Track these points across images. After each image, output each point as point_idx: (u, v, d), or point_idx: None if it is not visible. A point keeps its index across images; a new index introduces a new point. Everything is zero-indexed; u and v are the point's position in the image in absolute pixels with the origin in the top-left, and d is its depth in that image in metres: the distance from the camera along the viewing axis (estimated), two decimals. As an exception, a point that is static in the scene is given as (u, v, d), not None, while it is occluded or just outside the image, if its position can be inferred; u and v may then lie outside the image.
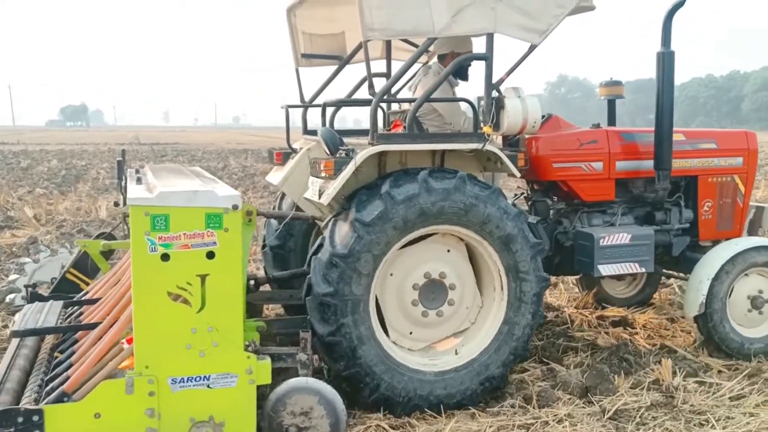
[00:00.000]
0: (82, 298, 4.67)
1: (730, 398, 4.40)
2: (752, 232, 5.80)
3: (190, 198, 3.30)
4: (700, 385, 4.60)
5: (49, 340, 4.34)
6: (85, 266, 5.29)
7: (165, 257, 3.27)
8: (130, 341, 3.46)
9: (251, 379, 3.46)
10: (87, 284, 5.25)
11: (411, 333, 4.41)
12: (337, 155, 4.24)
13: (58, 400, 3.25)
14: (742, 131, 5.86)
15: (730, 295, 5.09)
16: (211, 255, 3.34)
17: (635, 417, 4.15)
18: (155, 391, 3.30)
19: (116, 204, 5.06)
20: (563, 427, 4.01)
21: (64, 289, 5.15)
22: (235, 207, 3.36)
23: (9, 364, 4.06)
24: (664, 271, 6.03)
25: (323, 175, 4.20)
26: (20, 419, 3.10)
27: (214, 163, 26.38)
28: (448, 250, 4.40)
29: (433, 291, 4.36)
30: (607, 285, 6.48)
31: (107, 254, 5.24)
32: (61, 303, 4.54)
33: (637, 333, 5.76)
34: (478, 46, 5.35)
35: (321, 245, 4.15)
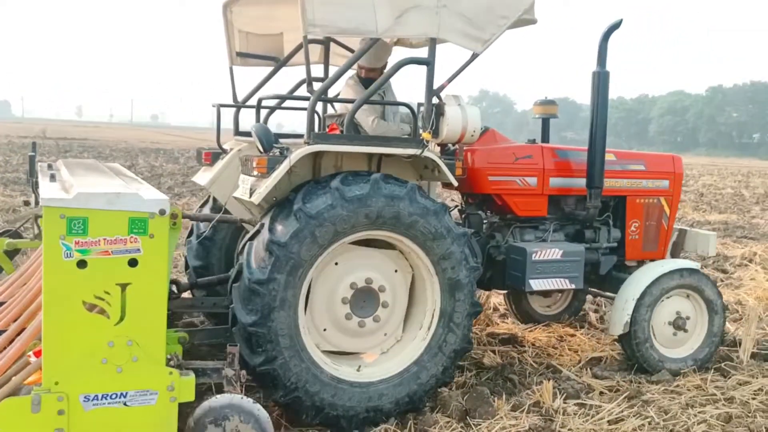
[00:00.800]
0: None
1: (608, 422, 4.34)
2: (675, 253, 5.94)
3: (112, 200, 3.06)
4: (581, 407, 4.54)
5: None
6: None
7: (82, 264, 3.01)
8: (38, 354, 3.17)
9: (173, 396, 3.23)
10: None
11: (325, 330, 4.26)
12: (271, 153, 4.07)
13: (-46, 417, 2.93)
14: (669, 155, 6.03)
15: (653, 316, 5.18)
16: (133, 262, 3.10)
17: (512, 442, 4.06)
18: (65, 410, 3.02)
19: (26, 203, 4.68)
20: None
21: None
22: (162, 212, 3.14)
23: None
24: (590, 289, 6.11)
25: (255, 173, 4.03)
26: None
27: (121, 161, 25.39)
28: (396, 270, 4.32)
29: (365, 300, 4.25)
30: (534, 301, 6.53)
31: (12, 254, 4.84)
32: None
33: (525, 351, 5.70)
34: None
35: (258, 232, 3.98)
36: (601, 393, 4.87)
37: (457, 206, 5.67)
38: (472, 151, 5.02)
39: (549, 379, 4.87)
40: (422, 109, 4.33)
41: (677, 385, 4.94)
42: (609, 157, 5.37)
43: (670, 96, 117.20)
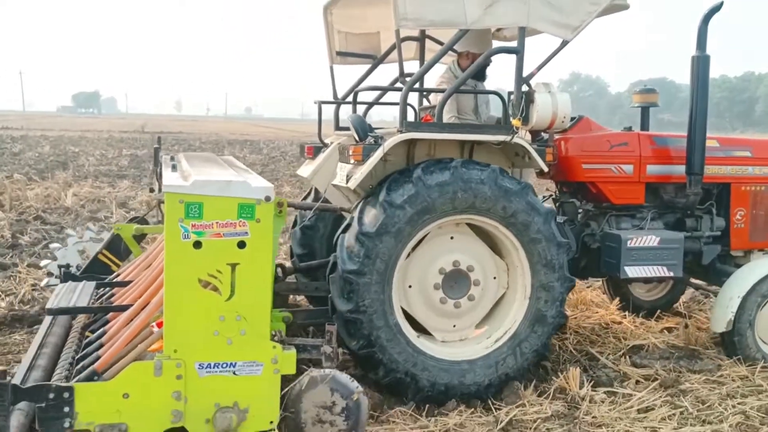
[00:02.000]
0: (114, 280, 4.77)
1: (638, 410, 4.27)
2: None
3: (224, 188, 3.35)
4: (609, 395, 4.48)
5: (81, 319, 4.45)
6: (118, 249, 5.41)
7: (197, 245, 3.32)
8: (159, 325, 3.53)
9: (276, 368, 3.49)
10: (118, 266, 5.37)
11: (455, 326, 4.48)
12: (366, 142, 4.29)
13: (89, 378, 3.33)
14: None
15: (759, 315, 5.00)
16: (242, 244, 3.38)
17: (530, 427, 4.03)
18: (183, 375, 3.35)
19: (152, 190, 5.17)
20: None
21: (96, 270, 5.26)
22: (267, 198, 3.41)
23: (41, 342, 4.18)
24: (691, 280, 5.96)
25: (352, 161, 4.26)
26: (51, 395, 3.18)
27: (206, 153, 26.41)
28: (452, 237, 4.43)
29: (455, 281, 4.41)
30: (634, 288, 6.44)
31: (139, 238, 5.35)
32: (93, 284, 4.64)
33: (566, 338, 5.63)
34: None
35: (349, 225, 4.20)
36: (637, 382, 4.79)
37: (551, 195, 5.70)
38: (566, 139, 5.04)
39: (580, 367, 4.81)
40: (512, 96, 4.42)
41: (720, 375, 4.83)
42: (711, 143, 5.24)
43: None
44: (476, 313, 4.54)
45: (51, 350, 4.23)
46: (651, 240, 4.93)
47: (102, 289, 4.64)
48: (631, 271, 4.92)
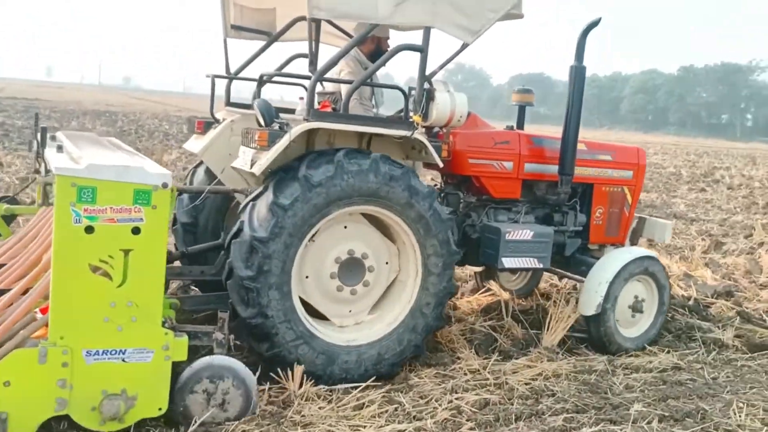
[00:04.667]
0: None
1: (353, 407, 4.09)
2: (634, 239, 6.33)
3: (121, 173, 3.27)
4: (332, 393, 4.26)
5: None
6: None
7: (89, 229, 3.23)
8: (43, 311, 3.41)
9: (167, 355, 3.49)
10: None
11: (350, 311, 4.62)
12: (272, 127, 4.30)
13: (-34, 366, 3.17)
14: (634, 147, 6.40)
15: (619, 299, 5.52)
16: (136, 230, 3.33)
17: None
18: (69, 362, 3.27)
19: (37, 171, 4.85)
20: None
21: None
22: (164, 185, 3.36)
23: None
24: (553, 269, 6.45)
25: (256, 145, 4.26)
26: None
27: (50, 122, 24.71)
28: (345, 227, 4.57)
29: (350, 269, 4.54)
30: (502, 278, 6.89)
31: (9, 219, 5.02)
32: None
33: None
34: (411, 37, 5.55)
35: (240, 230, 4.21)
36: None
37: (436, 185, 5.95)
38: (454, 134, 5.26)
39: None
40: (413, 93, 4.58)
41: (453, 369, 4.80)
42: (580, 146, 5.65)
43: (643, 75, 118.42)
44: (371, 298, 4.70)
45: None
46: (526, 234, 5.29)
47: None
48: (508, 262, 5.26)
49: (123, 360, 3.41)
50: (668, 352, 5.52)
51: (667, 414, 4.27)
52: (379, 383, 4.47)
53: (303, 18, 5.52)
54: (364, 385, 4.36)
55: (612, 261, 5.60)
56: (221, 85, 5.55)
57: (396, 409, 4.07)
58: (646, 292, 5.72)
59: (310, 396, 4.18)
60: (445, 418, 3.97)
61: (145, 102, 59.68)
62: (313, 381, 4.28)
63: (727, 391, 4.74)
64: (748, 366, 5.38)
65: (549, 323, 5.51)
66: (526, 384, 4.58)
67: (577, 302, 5.65)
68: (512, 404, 4.25)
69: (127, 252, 3.33)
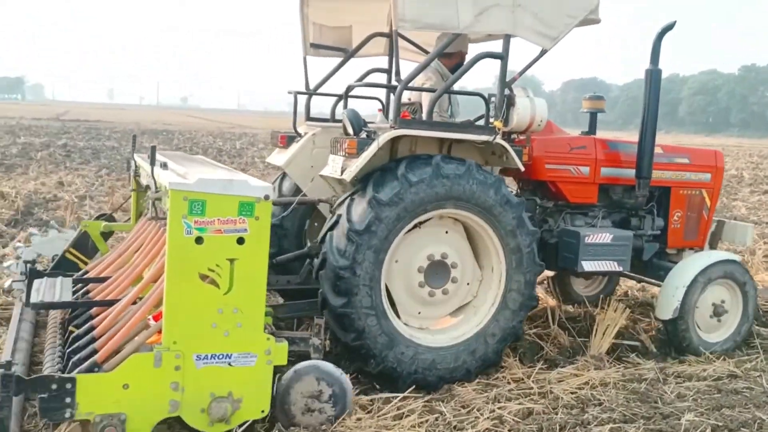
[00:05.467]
0: (86, 276, 4.75)
1: (393, 417, 4.06)
2: (713, 243, 6.25)
3: (227, 186, 3.46)
4: (372, 403, 4.24)
5: (56, 315, 4.46)
6: (85, 246, 5.38)
7: (199, 240, 3.41)
8: (156, 318, 3.61)
9: (269, 359, 3.64)
10: (85, 264, 5.32)
11: (419, 313, 4.72)
12: (360, 136, 4.48)
13: (89, 369, 3.38)
14: (712, 150, 6.34)
15: (698, 303, 5.47)
16: (241, 240, 3.50)
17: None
18: (181, 366, 3.45)
19: (147, 187, 5.15)
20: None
21: (64, 268, 5.22)
22: (266, 197, 3.53)
23: (15, 338, 4.18)
24: (630, 273, 6.42)
25: (344, 153, 4.44)
26: (54, 386, 3.22)
27: (109, 143, 25.81)
28: (446, 232, 4.70)
29: (437, 272, 4.66)
30: (576, 284, 6.88)
31: (106, 235, 5.33)
32: (70, 280, 4.61)
33: None
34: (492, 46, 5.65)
35: (336, 222, 4.37)
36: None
37: (512, 191, 6.01)
38: (531, 140, 5.33)
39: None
40: (494, 99, 4.68)
41: (496, 378, 4.73)
42: (656, 149, 5.64)
43: (702, 75, 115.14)
44: (444, 308, 4.80)
45: (25, 346, 4.23)
46: (605, 237, 5.31)
47: (77, 284, 4.63)
48: (588, 265, 5.29)
49: (229, 364, 3.58)
50: (724, 359, 5.32)
51: (721, 424, 4.09)
52: (420, 394, 4.42)
53: (379, 34, 5.72)
54: (403, 395, 4.32)
55: (690, 265, 5.55)
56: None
57: (437, 419, 4.00)
58: (729, 297, 5.64)
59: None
60: (486, 428, 3.88)
61: (201, 120, 61.20)
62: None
63: (785, 400, 4.52)
64: (806, 374, 5.15)
65: (596, 330, 5.38)
66: (571, 393, 4.46)
67: (626, 308, 5.59)
68: (557, 414, 4.13)
69: (232, 261, 3.51)
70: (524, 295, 4.75)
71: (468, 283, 4.81)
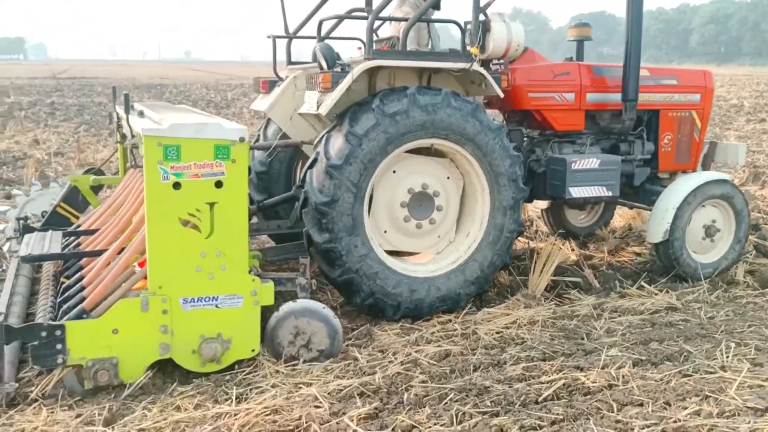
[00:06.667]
0: (78, 229, 4.80)
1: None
2: (705, 165, 6.20)
3: (200, 130, 3.46)
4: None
5: (49, 267, 4.53)
6: (76, 201, 5.41)
7: (177, 185, 3.44)
8: (141, 265, 3.67)
9: (256, 300, 3.71)
10: (77, 218, 5.37)
11: (407, 244, 4.74)
12: (334, 69, 4.43)
13: (78, 316, 3.47)
14: (700, 70, 6.23)
15: (689, 225, 5.47)
16: (219, 184, 3.52)
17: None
18: (168, 310, 3.53)
19: (123, 136, 5.15)
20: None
21: (55, 223, 5.27)
22: (242, 139, 3.53)
23: (11, 291, 4.25)
24: (621, 200, 6.40)
25: (320, 88, 4.41)
26: (43, 333, 3.31)
27: (99, 99, 25.49)
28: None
29: (421, 203, 4.68)
30: (570, 215, 6.89)
31: (96, 189, 5.36)
32: (60, 233, 4.67)
33: None
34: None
35: (315, 159, 4.37)
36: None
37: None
38: (513, 69, 5.25)
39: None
40: (469, 25, 4.60)
41: (420, 321, 4.60)
42: (642, 72, 5.55)
43: (713, 4, 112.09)
44: (432, 238, 4.83)
45: (21, 300, 4.31)
46: (592, 162, 5.29)
47: (67, 238, 4.69)
48: (575, 192, 5.27)
49: (216, 306, 3.64)
50: (666, 291, 5.18)
51: (644, 358, 3.94)
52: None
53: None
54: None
55: (680, 186, 5.53)
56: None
57: (349, 365, 3.83)
58: (722, 217, 5.64)
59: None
60: (397, 372, 3.71)
61: (200, 73, 60.45)
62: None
63: (721, 331, 4.41)
64: (753, 303, 5.07)
65: (533, 268, 5.19)
66: (496, 333, 4.34)
67: (564, 243, 5.52)
68: (474, 355, 3.99)
69: (212, 205, 3.54)
70: (509, 220, 4.75)
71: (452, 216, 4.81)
